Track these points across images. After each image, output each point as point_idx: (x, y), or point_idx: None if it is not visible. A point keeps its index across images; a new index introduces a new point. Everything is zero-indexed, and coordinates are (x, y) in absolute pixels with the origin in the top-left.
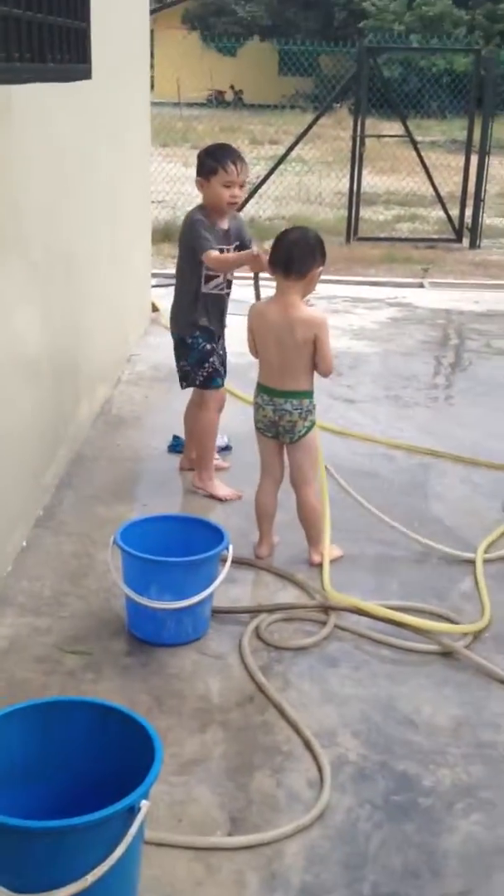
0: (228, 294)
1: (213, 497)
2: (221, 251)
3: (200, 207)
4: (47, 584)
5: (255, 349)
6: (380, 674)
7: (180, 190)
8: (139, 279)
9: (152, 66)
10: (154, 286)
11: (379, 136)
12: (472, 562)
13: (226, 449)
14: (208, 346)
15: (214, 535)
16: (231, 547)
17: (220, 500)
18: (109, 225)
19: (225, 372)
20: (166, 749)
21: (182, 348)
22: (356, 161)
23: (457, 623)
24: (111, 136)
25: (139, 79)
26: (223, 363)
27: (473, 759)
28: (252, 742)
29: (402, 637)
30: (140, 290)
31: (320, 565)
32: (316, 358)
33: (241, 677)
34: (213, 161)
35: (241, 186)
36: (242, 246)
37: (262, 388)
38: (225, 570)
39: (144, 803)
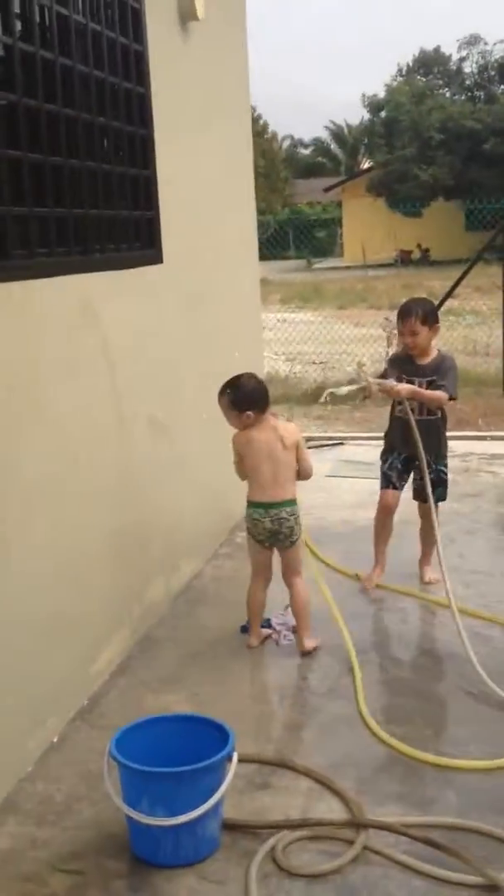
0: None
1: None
2: (411, 382)
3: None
4: (63, 787)
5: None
6: None
7: (345, 350)
8: None
9: (340, 235)
10: None
11: None
12: None
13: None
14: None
15: (220, 736)
16: (235, 755)
17: None
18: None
19: (398, 480)
20: None
21: None
22: None
23: None
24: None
25: (245, 226)
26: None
27: None
28: None
29: (440, 865)
30: None
31: (311, 651)
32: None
33: None
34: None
35: (414, 334)
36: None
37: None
38: (227, 780)
39: None
